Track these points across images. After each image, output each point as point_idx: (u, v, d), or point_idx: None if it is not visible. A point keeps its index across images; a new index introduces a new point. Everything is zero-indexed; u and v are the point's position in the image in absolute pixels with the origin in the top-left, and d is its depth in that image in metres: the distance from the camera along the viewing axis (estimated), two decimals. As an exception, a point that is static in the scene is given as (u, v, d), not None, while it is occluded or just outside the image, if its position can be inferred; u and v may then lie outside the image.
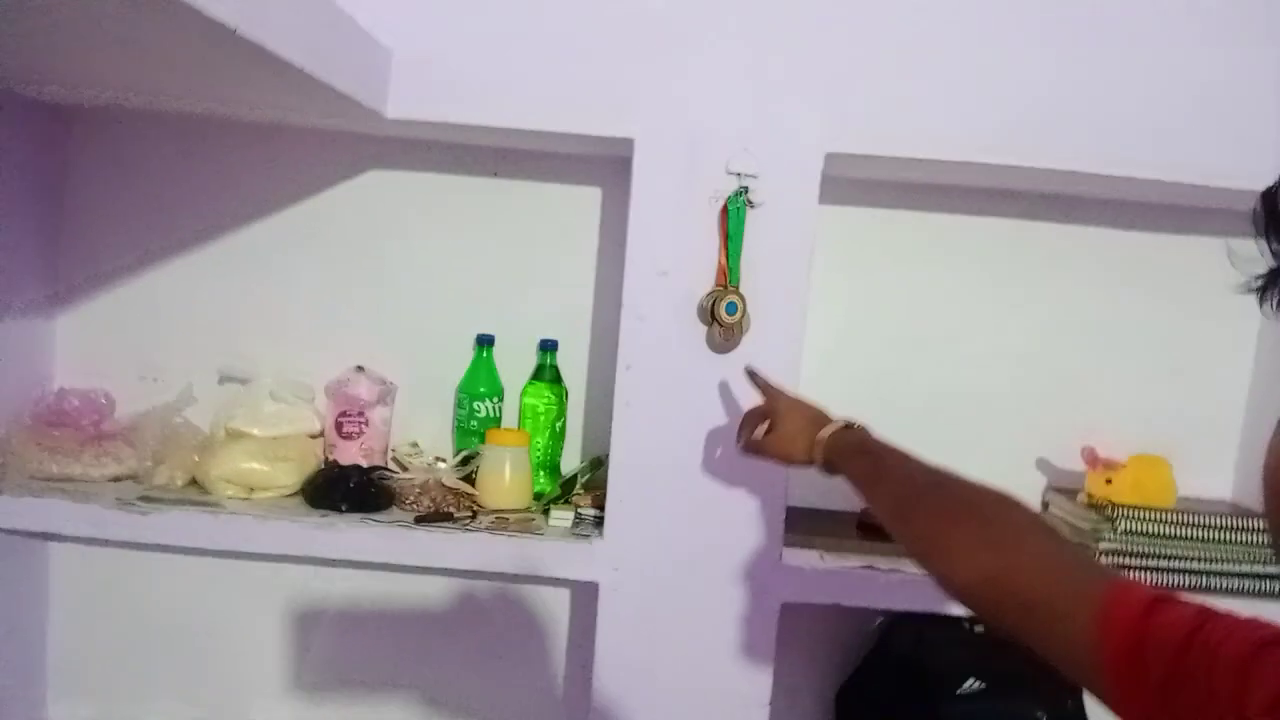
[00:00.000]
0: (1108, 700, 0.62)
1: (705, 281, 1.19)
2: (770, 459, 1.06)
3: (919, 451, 0.89)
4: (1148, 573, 1.23)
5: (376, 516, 1.25)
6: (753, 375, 1.12)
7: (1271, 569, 1.22)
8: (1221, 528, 1.24)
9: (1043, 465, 1.44)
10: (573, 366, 1.43)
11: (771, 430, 1.05)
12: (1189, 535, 1.23)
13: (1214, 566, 1.23)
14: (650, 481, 1.22)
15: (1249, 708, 0.50)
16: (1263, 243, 0.45)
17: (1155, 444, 1.37)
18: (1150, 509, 1.23)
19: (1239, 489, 1.41)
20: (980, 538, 0.74)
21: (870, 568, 1.24)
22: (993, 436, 1.43)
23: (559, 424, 1.39)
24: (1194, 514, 1.25)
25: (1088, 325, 1.43)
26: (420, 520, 1.24)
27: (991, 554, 0.72)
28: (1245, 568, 1.23)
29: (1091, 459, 1.29)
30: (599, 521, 1.26)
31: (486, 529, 1.24)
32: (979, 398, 1.43)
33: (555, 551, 1.23)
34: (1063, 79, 1.18)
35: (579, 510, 1.28)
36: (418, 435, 1.44)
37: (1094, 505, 1.27)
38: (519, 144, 1.35)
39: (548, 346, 1.39)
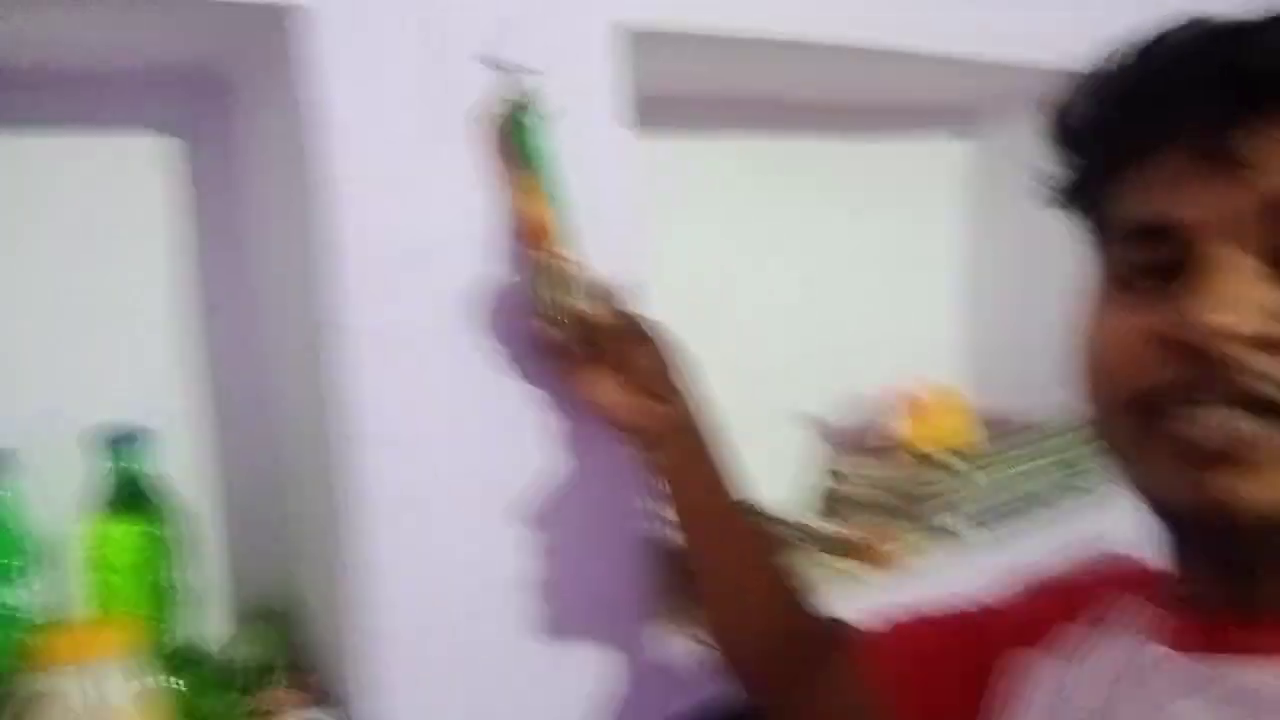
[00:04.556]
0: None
1: (474, 260, 0.68)
2: (618, 423, 0.69)
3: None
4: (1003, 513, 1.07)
5: None
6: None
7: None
8: (1059, 433, 1.13)
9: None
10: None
11: (637, 366, 0.68)
12: (1038, 454, 1.10)
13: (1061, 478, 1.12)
14: (437, 640, 0.69)
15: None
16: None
17: (898, 369, 1.22)
18: (1003, 444, 1.07)
19: (981, 390, 1.33)
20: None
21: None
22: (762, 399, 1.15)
23: (165, 576, 0.75)
24: (1042, 429, 1.12)
25: (829, 252, 1.21)
26: None
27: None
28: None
29: (912, 406, 1.08)
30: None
31: None
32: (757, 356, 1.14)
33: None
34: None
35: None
36: None
37: (925, 457, 1.06)
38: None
39: (122, 443, 0.73)
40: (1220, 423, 0.41)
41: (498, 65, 0.67)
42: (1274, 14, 0.42)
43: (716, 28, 0.78)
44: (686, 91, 1.02)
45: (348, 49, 0.62)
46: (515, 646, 0.73)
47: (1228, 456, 0.41)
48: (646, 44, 0.75)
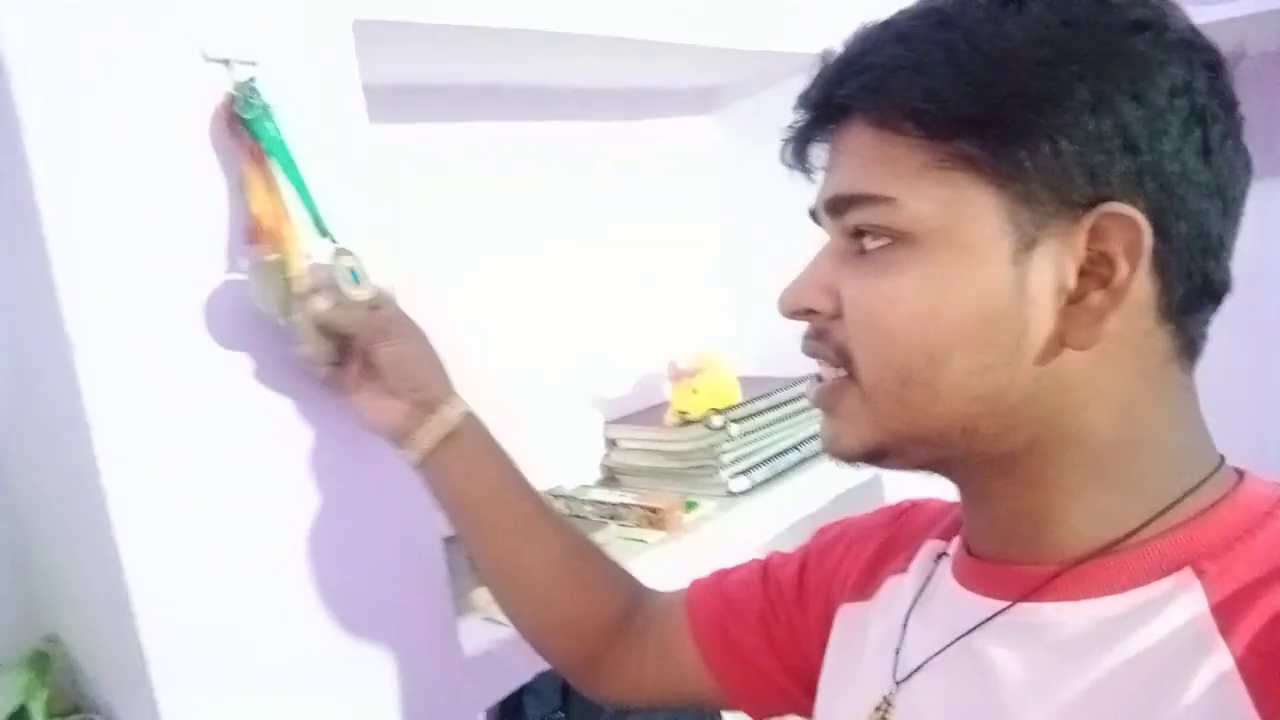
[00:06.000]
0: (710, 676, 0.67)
1: (213, 265, 0.65)
2: (370, 427, 0.68)
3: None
4: (765, 466, 1.15)
5: None
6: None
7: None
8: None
9: (593, 404, 1.24)
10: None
11: (385, 367, 0.65)
12: (801, 410, 1.19)
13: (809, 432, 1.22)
14: (220, 662, 0.66)
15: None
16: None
17: (667, 339, 1.28)
18: (756, 400, 1.15)
19: (748, 352, 1.41)
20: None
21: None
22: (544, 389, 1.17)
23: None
24: (791, 386, 1.21)
25: (591, 231, 1.24)
26: None
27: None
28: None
29: (676, 373, 1.14)
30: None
31: None
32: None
33: None
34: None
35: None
36: None
37: (697, 420, 1.12)
38: None
39: None
40: (819, 377, 0.51)
41: (212, 58, 0.64)
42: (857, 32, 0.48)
43: (454, 18, 0.79)
44: (437, 79, 1.02)
45: (42, 44, 0.57)
46: (309, 661, 0.71)
47: (819, 407, 0.51)
48: (378, 33, 0.74)
